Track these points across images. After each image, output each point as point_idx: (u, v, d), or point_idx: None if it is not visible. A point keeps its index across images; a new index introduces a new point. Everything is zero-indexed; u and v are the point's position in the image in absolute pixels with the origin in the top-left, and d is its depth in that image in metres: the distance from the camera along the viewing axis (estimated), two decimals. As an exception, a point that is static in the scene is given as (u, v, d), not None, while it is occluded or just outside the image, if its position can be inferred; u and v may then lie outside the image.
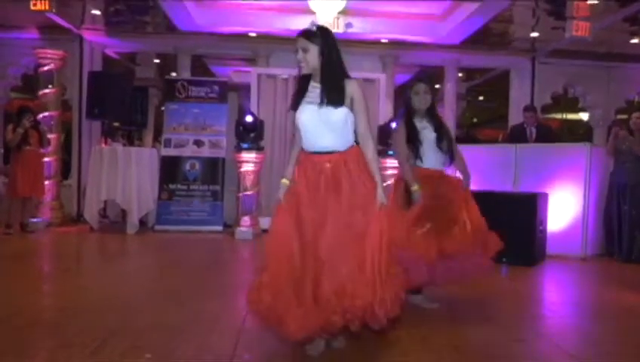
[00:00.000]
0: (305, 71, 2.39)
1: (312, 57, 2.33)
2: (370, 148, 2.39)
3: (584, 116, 9.38)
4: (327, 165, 2.34)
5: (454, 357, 2.45)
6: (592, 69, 8.27)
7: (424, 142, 3.19)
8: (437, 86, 10.60)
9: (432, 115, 3.26)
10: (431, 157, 3.21)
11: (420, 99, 3.20)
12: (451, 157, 3.31)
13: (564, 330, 3.04)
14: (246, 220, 6.47)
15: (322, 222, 2.27)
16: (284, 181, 2.48)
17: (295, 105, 2.41)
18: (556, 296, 4.06)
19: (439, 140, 3.21)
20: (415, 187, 3.08)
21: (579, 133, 13.19)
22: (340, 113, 2.33)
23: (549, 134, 6.44)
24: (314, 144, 2.38)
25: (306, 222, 2.30)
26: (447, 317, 3.14)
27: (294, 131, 2.51)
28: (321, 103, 2.33)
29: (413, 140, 3.20)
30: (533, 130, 6.29)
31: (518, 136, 6.36)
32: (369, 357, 2.44)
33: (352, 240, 2.25)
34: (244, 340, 2.58)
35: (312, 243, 2.26)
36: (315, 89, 2.38)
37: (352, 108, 2.36)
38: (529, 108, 6.47)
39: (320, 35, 2.35)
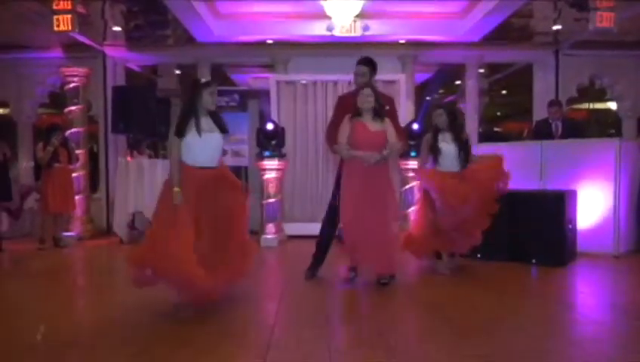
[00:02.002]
0: None
1: None
2: None
3: (612, 105, 9.10)
4: None
5: (484, 370, 2.42)
6: (620, 59, 8.03)
7: (442, 153, 4.34)
8: (458, 82, 10.50)
9: (456, 133, 4.36)
10: (447, 164, 4.35)
11: (439, 121, 4.39)
12: (464, 165, 4.38)
13: (600, 336, 2.91)
14: (271, 227, 6.51)
15: None
16: None
17: None
18: (589, 298, 3.93)
19: (457, 153, 4.35)
20: None
21: (607, 122, 12.83)
22: None
23: (576, 128, 6.30)
24: None
25: None
26: (475, 324, 3.10)
27: None
28: None
29: (433, 150, 4.38)
30: (559, 125, 6.16)
31: (543, 131, 6.24)
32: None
33: None
34: (271, 358, 2.59)
35: None
36: None
37: None
38: (553, 103, 6.33)
39: None
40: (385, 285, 3.98)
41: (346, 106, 4.05)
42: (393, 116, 4.14)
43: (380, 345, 2.73)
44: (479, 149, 6.20)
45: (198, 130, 3.24)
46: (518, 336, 2.86)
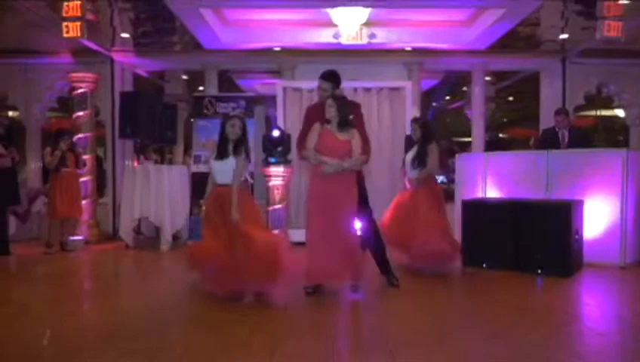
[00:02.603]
0: None
1: None
2: None
3: (620, 112, 9.06)
4: None
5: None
6: (627, 67, 8.00)
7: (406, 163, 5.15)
8: (464, 89, 10.48)
9: (423, 147, 4.97)
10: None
11: (414, 135, 5.08)
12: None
13: (606, 350, 2.90)
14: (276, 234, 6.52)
15: None
16: None
17: None
18: (595, 309, 3.90)
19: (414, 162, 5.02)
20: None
21: (614, 129, 12.77)
22: None
23: (582, 137, 6.28)
24: None
25: None
26: (478, 334, 3.09)
27: None
28: None
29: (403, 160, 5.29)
30: (566, 133, 6.15)
31: (549, 140, 6.22)
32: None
33: None
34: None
35: None
36: None
37: None
38: (560, 112, 6.32)
39: None
40: (355, 292, 4.06)
41: (315, 116, 4.19)
42: (359, 123, 4.25)
43: (383, 352, 2.74)
44: (488, 158, 6.24)
45: (217, 155, 4.03)
46: (523, 348, 2.85)
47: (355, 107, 4.37)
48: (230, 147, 3.95)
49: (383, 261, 4.43)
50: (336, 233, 3.93)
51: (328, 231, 3.92)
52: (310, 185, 4.15)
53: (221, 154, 3.96)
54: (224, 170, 3.92)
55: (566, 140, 6.14)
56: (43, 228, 7.09)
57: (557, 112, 6.35)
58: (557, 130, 6.22)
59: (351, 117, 4.11)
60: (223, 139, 3.98)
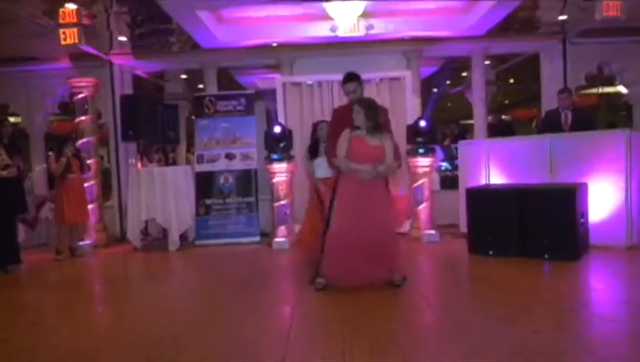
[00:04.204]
0: None
1: None
2: None
3: (622, 89, 8.96)
4: None
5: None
6: (629, 45, 7.88)
7: None
8: (464, 74, 10.42)
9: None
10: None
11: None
12: None
13: (615, 337, 2.89)
14: (282, 230, 6.56)
15: None
16: None
17: None
18: (604, 294, 3.91)
19: None
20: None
21: (617, 105, 12.66)
22: None
23: (585, 119, 6.24)
24: None
25: None
26: (488, 326, 3.12)
27: None
28: None
29: None
30: (569, 114, 6.12)
31: (552, 122, 6.20)
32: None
33: None
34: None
35: None
36: None
37: None
38: (563, 91, 6.31)
39: None
40: (399, 286, 4.02)
41: (342, 119, 4.11)
42: (388, 129, 4.18)
43: (394, 350, 2.77)
44: (490, 144, 6.22)
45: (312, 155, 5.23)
46: (533, 338, 2.86)
47: (384, 112, 4.24)
48: (321, 147, 4.87)
49: None
50: (371, 236, 3.90)
51: (362, 235, 3.88)
52: (341, 188, 4.03)
53: (316, 154, 5.02)
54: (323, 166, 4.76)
55: (569, 121, 6.12)
56: (52, 235, 7.16)
57: (560, 91, 6.33)
58: (560, 110, 6.20)
59: (382, 119, 4.03)
60: (315, 142, 5.12)
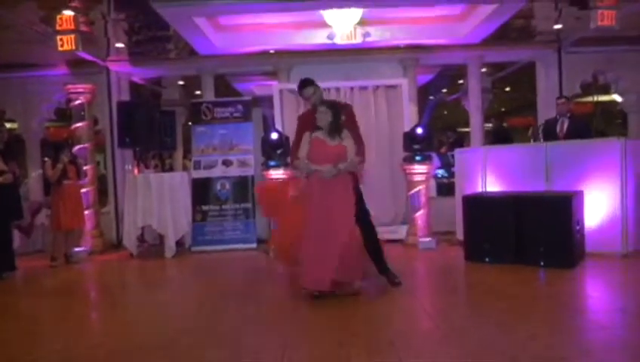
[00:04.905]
0: None
1: None
2: None
3: (617, 97, 9.03)
4: None
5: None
6: (624, 54, 7.96)
7: None
8: (460, 81, 10.47)
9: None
10: None
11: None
12: None
13: (612, 345, 2.90)
14: (279, 237, 6.54)
15: None
16: None
17: None
18: (599, 302, 3.92)
19: None
20: None
21: (613, 113, 12.74)
22: None
23: (583, 127, 6.25)
24: None
25: None
26: (486, 334, 3.12)
27: None
28: None
29: None
30: (566, 121, 6.15)
31: (551, 129, 6.24)
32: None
33: None
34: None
35: None
36: None
37: None
38: (561, 96, 6.40)
39: None
40: (358, 294, 4.07)
41: (306, 124, 4.22)
42: (352, 124, 4.30)
43: (391, 355, 2.78)
44: (487, 152, 6.25)
45: None
46: (530, 344, 2.87)
47: (346, 107, 4.41)
48: None
49: (380, 260, 4.41)
50: (336, 236, 3.91)
51: (328, 236, 3.91)
52: (306, 191, 4.13)
53: None
54: None
55: (564, 129, 6.15)
56: (47, 241, 7.12)
57: (558, 97, 6.43)
58: (558, 117, 6.24)
59: (343, 118, 4.13)
60: None
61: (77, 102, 7.32)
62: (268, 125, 7.61)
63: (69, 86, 7.33)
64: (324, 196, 3.99)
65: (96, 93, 7.56)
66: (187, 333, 3.39)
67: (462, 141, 10.92)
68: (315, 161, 4.01)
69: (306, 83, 4.44)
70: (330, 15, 6.43)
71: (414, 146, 6.47)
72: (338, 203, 4.01)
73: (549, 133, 6.24)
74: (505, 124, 15.27)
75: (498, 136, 9.15)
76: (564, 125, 6.16)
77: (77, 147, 7.21)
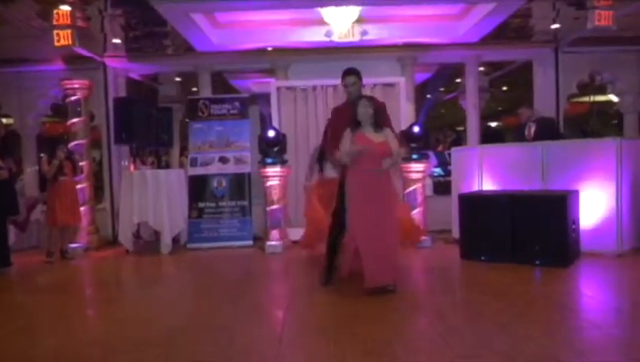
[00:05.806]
0: None
1: None
2: None
3: (613, 98, 9.06)
4: None
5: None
6: (620, 55, 8.00)
7: None
8: (458, 80, 10.48)
9: None
10: None
11: None
12: None
13: (607, 344, 2.91)
14: (275, 234, 6.56)
15: None
16: None
17: None
18: (594, 301, 3.93)
19: None
20: None
21: (609, 113, 12.77)
22: None
23: (549, 131, 6.21)
24: None
25: None
26: (481, 333, 3.12)
27: None
28: None
29: None
30: (532, 126, 6.15)
31: (522, 134, 6.24)
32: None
33: None
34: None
35: None
36: None
37: None
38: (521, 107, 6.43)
39: None
40: (392, 291, 4.00)
41: (341, 118, 4.12)
42: (387, 121, 4.25)
43: (387, 354, 2.78)
44: (483, 151, 6.25)
45: None
46: (526, 344, 2.88)
47: (382, 105, 4.32)
48: None
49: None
50: (385, 236, 3.91)
51: (381, 235, 3.89)
52: (350, 185, 3.99)
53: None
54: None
55: (532, 134, 6.15)
56: (42, 237, 7.10)
57: (518, 109, 6.44)
58: (524, 123, 6.26)
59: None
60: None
61: (73, 97, 7.29)
62: (265, 123, 7.61)
63: (66, 81, 7.30)
64: (372, 196, 3.92)
65: (93, 89, 7.54)
66: (182, 330, 3.40)
67: (460, 140, 10.94)
68: (361, 158, 3.89)
69: (350, 71, 4.32)
70: (328, 13, 6.42)
71: (411, 145, 6.47)
72: (384, 199, 3.97)
73: (520, 138, 6.26)
74: (494, 124, 15.33)
75: (488, 138, 9.17)
76: (531, 130, 6.16)
77: (73, 143, 7.19)
